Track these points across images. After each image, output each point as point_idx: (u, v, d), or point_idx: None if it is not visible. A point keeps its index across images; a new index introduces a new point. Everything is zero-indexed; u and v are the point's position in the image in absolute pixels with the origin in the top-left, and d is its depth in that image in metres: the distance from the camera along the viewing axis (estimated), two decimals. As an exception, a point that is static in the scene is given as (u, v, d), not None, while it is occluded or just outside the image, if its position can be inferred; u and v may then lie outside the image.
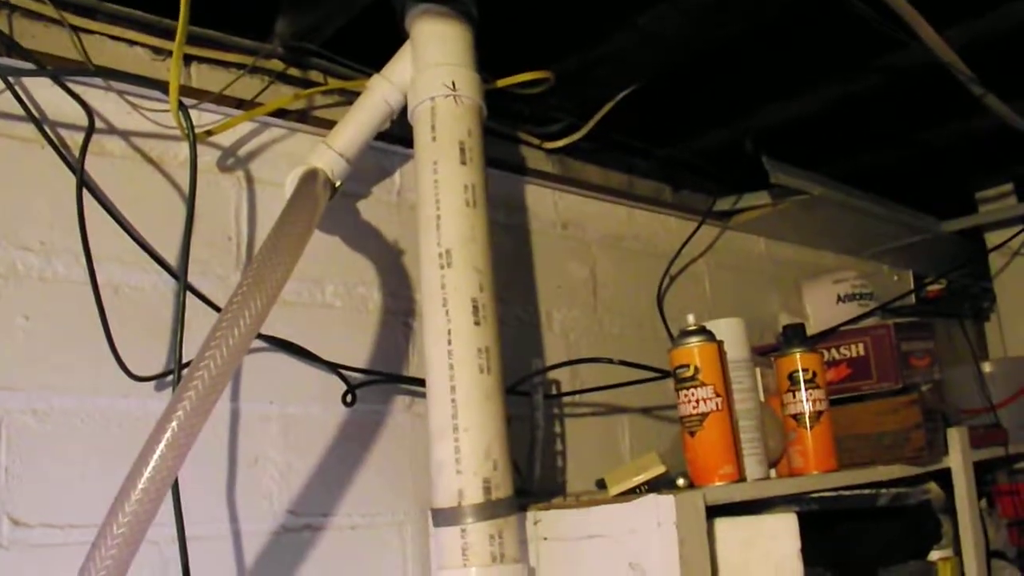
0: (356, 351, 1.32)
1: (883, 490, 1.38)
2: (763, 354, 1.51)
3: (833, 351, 1.63)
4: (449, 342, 1.09)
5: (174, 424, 0.88)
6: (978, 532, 1.68)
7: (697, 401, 1.18)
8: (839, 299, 1.76)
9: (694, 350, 1.19)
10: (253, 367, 1.23)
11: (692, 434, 1.19)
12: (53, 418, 1.07)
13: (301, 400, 1.26)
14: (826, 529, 1.44)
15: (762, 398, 1.40)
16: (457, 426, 1.07)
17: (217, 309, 1.17)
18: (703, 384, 1.18)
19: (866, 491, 1.36)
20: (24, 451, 1.04)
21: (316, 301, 1.30)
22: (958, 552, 1.68)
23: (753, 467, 1.27)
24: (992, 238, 2.52)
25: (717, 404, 1.18)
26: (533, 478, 1.31)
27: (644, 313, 1.74)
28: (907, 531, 1.60)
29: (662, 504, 1.03)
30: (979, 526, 1.69)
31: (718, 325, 1.25)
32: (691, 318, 1.23)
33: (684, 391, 1.20)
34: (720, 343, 1.21)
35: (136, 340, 1.12)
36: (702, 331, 1.21)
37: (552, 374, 1.54)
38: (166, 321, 1.16)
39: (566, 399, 1.57)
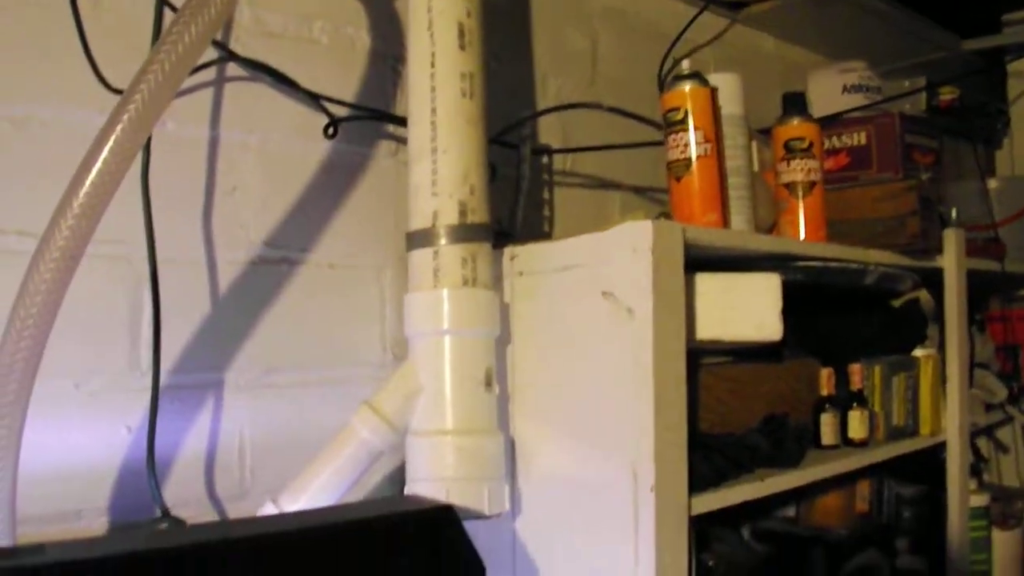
0: (341, 90, 1.28)
1: (871, 266, 1.35)
2: (763, 132, 1.47)
3: (834, 139, 1.59)
4: (432, 64, 1.06)
5: (133, 105, 0.85)
6: (963, 336, 1.67)
7: (685, 145, 1.15)
8: (845, 89, 1.69)
9: (686, 92, 1.15)
10: (233, 95, 1.19)
11: (678, 179, 1.16)
12: (31, 128, 1.05)
13: (282, 133, 1.23)
14: (810, 318, 1.42)
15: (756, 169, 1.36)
16: (436, 148, 1.05)
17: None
18: (693, 128, 1.14)
19: (854, 266, 1.34)
20: (2, 160, 1.02)
21: (302, 36, 1.26)
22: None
23: (740, 226, 1.24)
24: (1016, 67, 2.43)
25: (706, 150, 1.14)
26: (516, 224, 1.29)
27: (644, 93, 1.68)
28: (892, 326, 1.59)
29: (638, 230, 1.00)
30: (966, 330, 1.68)
31: (714, 78, 1.21)
32: (686, 63, 1.19)
33: (673, 135, 1.16)
34: (714, 89, 1.17)
35: (116, 55, 1.08)
36: (695, 76, 1.16)
37: (544, 138, 1.50)
38: (148, 38, 1.12)
39: (557, 173, 1.54)
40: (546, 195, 1.52)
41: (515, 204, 1.31)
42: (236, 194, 1.19)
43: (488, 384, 1.04)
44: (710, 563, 1.33)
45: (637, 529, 1.00)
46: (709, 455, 1.15)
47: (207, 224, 1.17)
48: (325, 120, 1.24)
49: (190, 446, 1.13)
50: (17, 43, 1.04)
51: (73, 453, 1.04)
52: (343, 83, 1.29)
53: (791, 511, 1.80)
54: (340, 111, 1.27)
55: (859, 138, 1.56)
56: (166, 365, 1.11)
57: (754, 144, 1.37)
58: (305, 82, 1.23)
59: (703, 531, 1.35)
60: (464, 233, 1.04)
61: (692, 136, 1.14)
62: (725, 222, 1.17)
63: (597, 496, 1.05)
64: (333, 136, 1.24)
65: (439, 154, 1.04)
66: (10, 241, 1.03)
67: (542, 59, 1.55)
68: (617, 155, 1.58)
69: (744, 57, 1.94)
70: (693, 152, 1.14)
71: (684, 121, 1.15)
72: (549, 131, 1.52)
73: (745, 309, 1.18)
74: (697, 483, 1.09)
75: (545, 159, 1.52)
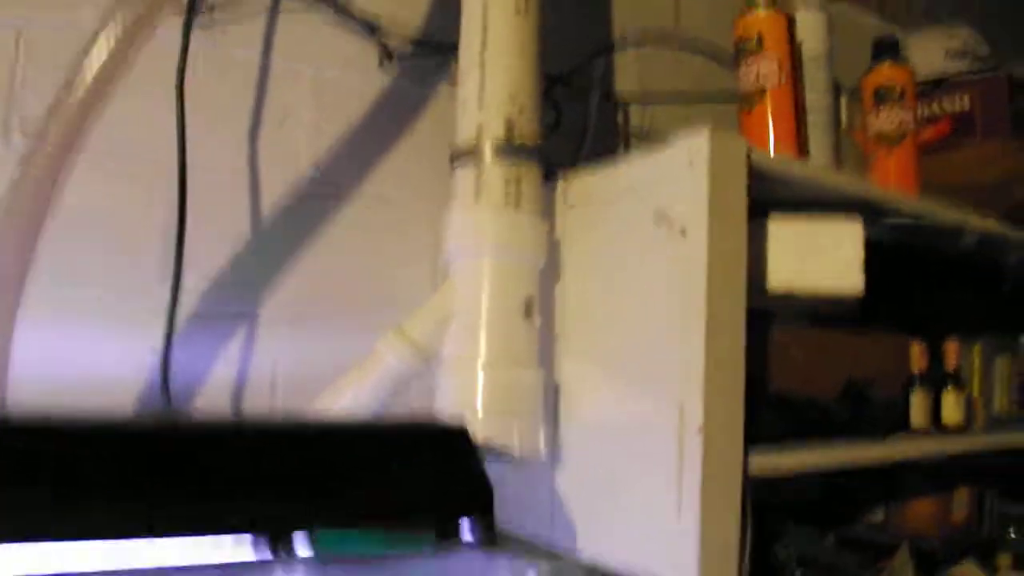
0: (402, 26, 1.23)
1: (969, 225, 1.22)
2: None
3: (935, 105, 1.46)
4: (486, -23, 1.01)
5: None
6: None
7: (758, 75, 1.05)
8: (948, 55, 1.56)
9: (760, 16, 1.06)
10: (286, 24, 1.16)
11: (750, 111, 1.06)
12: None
13: (336, 64, 1.18)
14: (901, 288, 1.30)
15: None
16: (484, 62, 0.99)
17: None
18: (766, 55, 1.05)
19: (949, 224, 1.21)
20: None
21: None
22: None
23: (819, 167, 1.13)
24: None
25: (780, 79, 1.05)
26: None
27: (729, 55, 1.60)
28: (999, 305, 1.45)
29: (695, 142, 0.91)
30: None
31: (797, 16, 1.11)
32: (759, -10, 1.09)
33: (745, 65, 1.07)
34: (791, 18, 1.08)
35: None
36: (772, 3, 1.07)
37: (621, 89, 1.42)
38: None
39: (635, 131, 1.46)
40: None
41: (578, 152, 1.23)
42: (286, 124, 1.15)
43: (527, 314, 0.96)
44: (781, 555, 1.24)
45: (681, 474, 0.90)
46: (776, 412, 1.04)
47: (253, 150, 1.13)
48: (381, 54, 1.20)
49: (220, 373, 1.08)
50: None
51: (94, 367, 1.00)
52: (403, 19, 1.24)
53: (879, 517, 1.68)
54: (397, 46, 1.21)
55: (962, 103, 1.43)
56: (200, 290, 1.07)
57: (843, 101, 1.27)
58: (362, 15, 1.18)
59: (778, 527, 1.25)
60: (509, 152, 0.97)
61: (765, 66, 1.05)
62: (801, 154, 1.07)
63: (641, 440, 0.95)
64: (389, 64, 1.18)
65: (487, 68, 0.99)
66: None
67: (621, 15, 1.47)
68: (701, 115, 1.49)
69: (842, 35, 1.83)
70: (767, 81, 1.05)
71: (757, 49, 1.06)
72: (627, 89, 1.44)
73: (823, 257, 1.08)
74: (759, 439, 0.98)
75: (620, 117, 1.44)
